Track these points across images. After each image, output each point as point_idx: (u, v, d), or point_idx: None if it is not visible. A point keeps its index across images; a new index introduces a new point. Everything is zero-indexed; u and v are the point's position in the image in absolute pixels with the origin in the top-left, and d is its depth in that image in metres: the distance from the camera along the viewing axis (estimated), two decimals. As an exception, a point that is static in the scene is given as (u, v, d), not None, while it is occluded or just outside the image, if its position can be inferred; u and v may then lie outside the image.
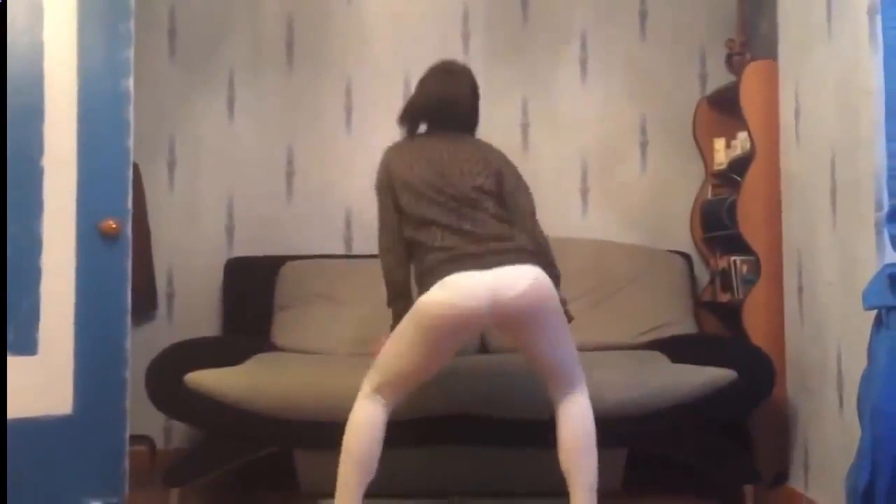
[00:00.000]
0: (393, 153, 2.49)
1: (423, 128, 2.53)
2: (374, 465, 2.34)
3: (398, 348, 2.32)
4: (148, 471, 3.31)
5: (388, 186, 2.43)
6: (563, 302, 2.40)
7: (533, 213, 2.46)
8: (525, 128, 3.80)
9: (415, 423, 2.74)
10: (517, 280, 2.22)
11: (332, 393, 2.63)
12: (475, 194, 2.36)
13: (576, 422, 2.34)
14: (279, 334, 3.39)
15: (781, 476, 3.05)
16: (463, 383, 2.80)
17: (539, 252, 2.38)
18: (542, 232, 2.46)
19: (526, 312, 2.25)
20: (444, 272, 2.23)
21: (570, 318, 2.44)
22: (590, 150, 3.81)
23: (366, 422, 2.33)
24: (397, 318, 2.41)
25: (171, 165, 3.75)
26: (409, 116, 2.52)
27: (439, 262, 2.27)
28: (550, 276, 2.33)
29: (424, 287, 2.29)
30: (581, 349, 3.16)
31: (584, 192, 3.80)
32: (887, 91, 2.11)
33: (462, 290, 2.21)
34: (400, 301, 2.44)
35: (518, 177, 2.49)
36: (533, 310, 2.25)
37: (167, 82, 3.75)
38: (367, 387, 2.37)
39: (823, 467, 2.76)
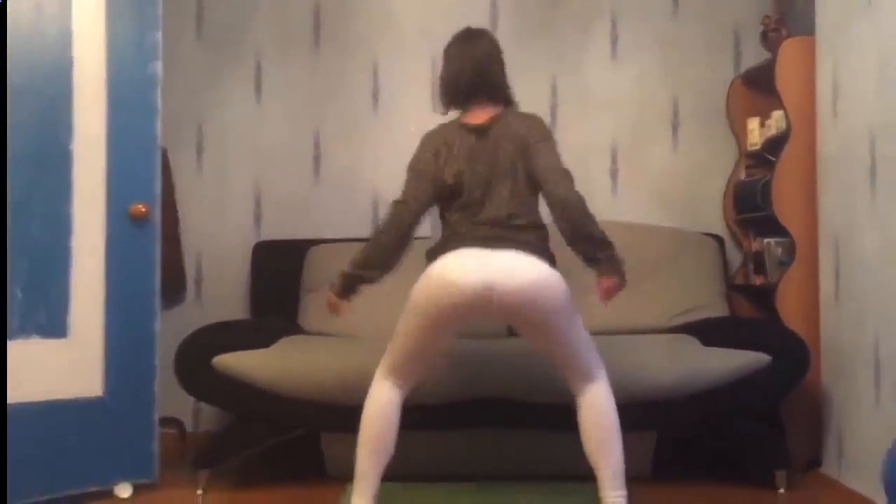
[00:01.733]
0: (433, 143, 2.44)
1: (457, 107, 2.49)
2: (390, 448, 2.34)
3: (402, 328, 2.34)
4: (178, 453, 3.35)
5: (426, 169, 2.40)
6: (619, 262, 2.25)
7: (556, 169, 2.30)
8: (554, 108, 3.74)
9: (443, 407, 2.74)
10: (515, 270, 2.21)
11: (359, 376, 2.62)
12: (501, 179, 2.33)
13: (597, 412, 2.32)
14: (306, 317, 3.40)
15: (814, 462, 3.00)
16: (491, 367, 2.78)
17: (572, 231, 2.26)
18: (573, 189, 2.29)
19: (526, 309, 2.24)
20: (448, 249, 2.27)
21: (622, 282, 2.26)
22: (620, 131, 3.74)
23: (379, 406, 2.34)
24: (344, 280, 2.38)
25: (199, 150, 3.76)
26: (443, 94, 2.49)
27: (453, 237, 2.32)
28: (585, 238, 2.22)
29: (433, 256, 2.32)
30: (612, 332, 3.14)
31: (614, 173, 3.74)
32: (930, 64, 2.03)
33: (458, 263, 2.23)
34: (357, 274, 2.38)
35: (545, 137, 2.38)
36: (533, 308, 2.24)
37: (194, 66, 3.75)
38: (379, 371, 2.39)
39: (858, 454, 2.70)
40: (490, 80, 2.43)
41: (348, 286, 2.40)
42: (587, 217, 2.25)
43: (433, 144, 2.43)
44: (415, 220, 2.39)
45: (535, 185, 2.36)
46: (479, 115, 2.40)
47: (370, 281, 2.39)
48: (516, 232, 2.31)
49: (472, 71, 2.42)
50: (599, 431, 2.31)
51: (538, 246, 2.32)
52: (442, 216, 2.46)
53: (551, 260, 2.33)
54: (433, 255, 2.33)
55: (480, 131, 2.38)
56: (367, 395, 2.38)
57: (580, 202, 2.25)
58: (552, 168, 2.31)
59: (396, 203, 2.40)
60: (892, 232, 2.46)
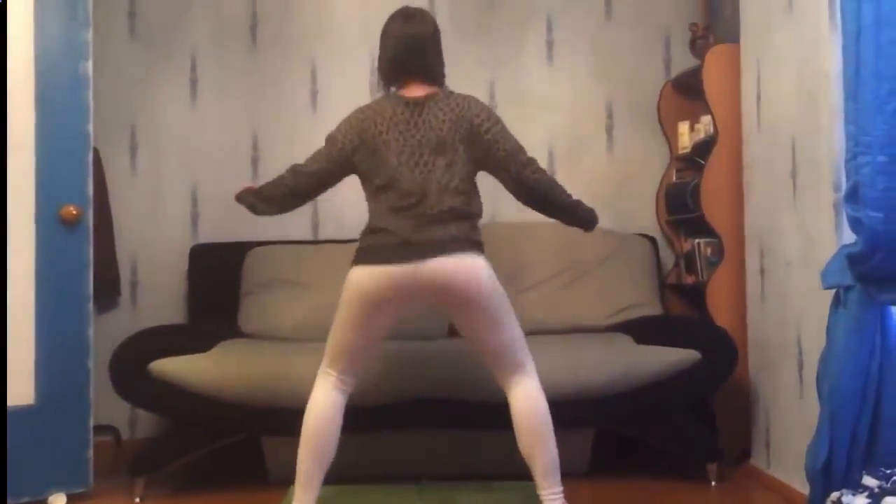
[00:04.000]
0: (364, 114, 2.44)
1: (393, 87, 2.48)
2: (332, 450, 2.36)
3: (337, 321, 2.38)
4: (114, 461, 3.27)
5: (350, 145, 2.41)
6: (578, 204, 2.52)
7: (520, 150, 2.43)
8: (492, 111, 3.78)
9: (385, 407, 2.76)
10: (438, 270, 2.28)
11: (299, 379, 2.62)
12: (434, 153, 2.34)
13: (529, 409, 2.35)
14: (245, 321, 3.36)
15: (744, 454, 3.11)
16: (432, 368, 2.81)
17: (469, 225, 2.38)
18: (537, 167, 2.44)
19: (450, 284, 2.29)
20: (372, 259, 2.31)
21: (594, 220, 2.54)
22: (556, 134, 3.81)
23: (322, 408, 2.35)
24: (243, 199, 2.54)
25: (133, 150, 3.68)
26: (382, 73, 2.49)
27: (373, 245, 2.33)
28: (563, 210, 2.50)
29: (357, 257, 2.36)
30: (548, 332, 3.21)
31: (551, 175, 3.79)
32: (845, 74, 2.14)
33: (381, 277, 2.29)
34: (253, 199, 2.52)
35: (495, 121, 2.43)
36: (458, 282, 2.28)
37: (127, 65, 3.68)
38: (320, 369, 2.41)
39: (784, 445, 2.82)
40: (425, 61, 2.44)
41: (246, 204, 2.54)
42: (559, 190, 2.48)
43: (363, 114, 2.44)
44: (314, 180, 2.48)
45: (480, 167, 2.43)
46: (415, 90, 2.42)
47: (261, 212, 2.54)
48: (444, 224, 2.31)
49: (409, 50, 2.43)
50: (532, 428, 2.34)
51: (465, 237, 2.33)
52: (369, 197, 2.43)
53: (479, 246, 2.37)
54: (360, 252, 2.35)
55: (415, 104, 2.38)
56: (310, 398, 2.38)
57: (549, 178, 2.48)
58: (517, 150, 2.43)
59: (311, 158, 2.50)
60: (811, 233, 2.58)
